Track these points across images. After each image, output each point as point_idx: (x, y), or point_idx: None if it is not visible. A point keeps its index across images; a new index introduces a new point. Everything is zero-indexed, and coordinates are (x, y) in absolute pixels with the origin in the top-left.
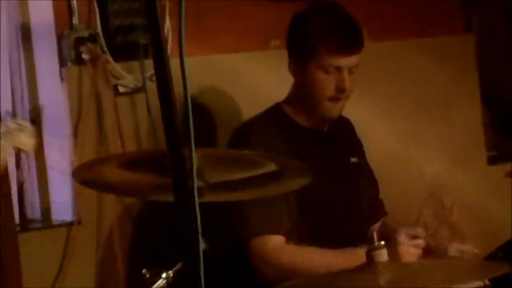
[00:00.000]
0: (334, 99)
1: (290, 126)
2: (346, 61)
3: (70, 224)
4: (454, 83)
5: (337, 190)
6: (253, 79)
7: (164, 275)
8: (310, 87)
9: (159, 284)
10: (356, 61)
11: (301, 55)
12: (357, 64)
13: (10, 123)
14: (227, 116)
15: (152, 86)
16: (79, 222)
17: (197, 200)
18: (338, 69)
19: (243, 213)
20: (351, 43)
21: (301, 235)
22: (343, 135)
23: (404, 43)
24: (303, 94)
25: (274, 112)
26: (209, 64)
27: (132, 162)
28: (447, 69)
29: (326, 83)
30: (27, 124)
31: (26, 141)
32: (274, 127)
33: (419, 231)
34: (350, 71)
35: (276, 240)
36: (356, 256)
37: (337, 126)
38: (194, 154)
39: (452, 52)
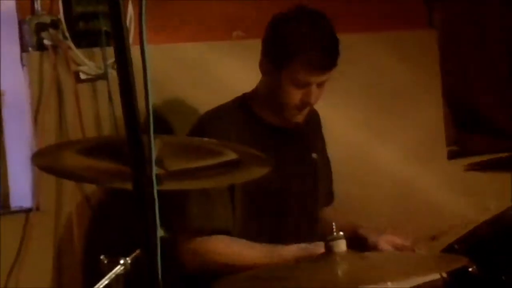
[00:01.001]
0: (298, 108)
1: (254, 121)
2: (317, 78)
3: (29, 210)
4: (415, 77)
5: (294, 187)
6: (216, 69)
7: (122, 262)
8: (276, 92)
9: (116, 271)
10: (327, 77)
11: (275, 60)
12: (328, 78)
13: None
14: (188, 105)
15: (113, 73)
16: (38, 209)
17: (155, 188)
18: (307, 84)
19: (187, 206)
20: (326, 63)
21: (253, 232)
22: (308, 131)
23: (366, 37)
24: (269, 94)
25: (239, 104)
26: (172, 53)
27: (92, 149)
28: (409, 63)
29: (293, 94)
30: None
31: None
32: (237, 119)
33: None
34: (319, 85)
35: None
36: (279, 253)
37: (303, 122)
38: (153, 141)
39: (415, 46)
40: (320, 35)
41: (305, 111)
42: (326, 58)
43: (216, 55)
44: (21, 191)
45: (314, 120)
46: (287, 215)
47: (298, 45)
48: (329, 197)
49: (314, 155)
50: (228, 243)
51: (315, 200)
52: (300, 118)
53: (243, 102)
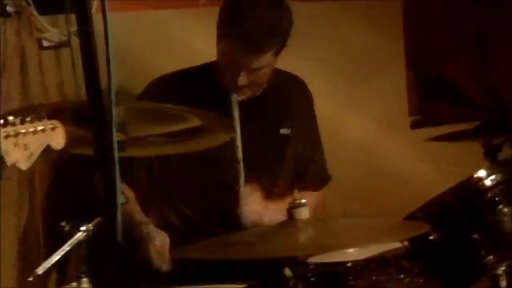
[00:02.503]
0: (235, 86)
1: (212, 88)
2: (244, 62)
3: None
4: (380, 46)
5: (249, 161)
6: (181, 36)
7: (84, 228)
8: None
9: (78, 237)
10: (260, 63)
11: (218, 31)
12: (263, 65)
13: (37, 123)
14: (152, 73)
15: (77, 41)
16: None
17: (116, 154)
18: (235, 65)
19: None
20: (253, 49)
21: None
22: (278, 104)
23: (333, 5)
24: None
25: (202, 70)
26: (138, 20)
27: (54, 114)
28: (374, 32)
29: (228, 71)
30: (57, 123)
31: (59, 140)
32: (194, 86)
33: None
34: (253, 70)
35: None
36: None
37: (274, 91)
38: (114, 107)
39: (380, 15)
40: (258, 18)
41: (246, 90)
42: (254, 45)
43: (182, 22)
44: None
45: (293, 91)
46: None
47: (231, 25)
48: (316, 179)
49: (283, 130)
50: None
51: (275, 176)
52: (242, 95)
53: (208, 69)
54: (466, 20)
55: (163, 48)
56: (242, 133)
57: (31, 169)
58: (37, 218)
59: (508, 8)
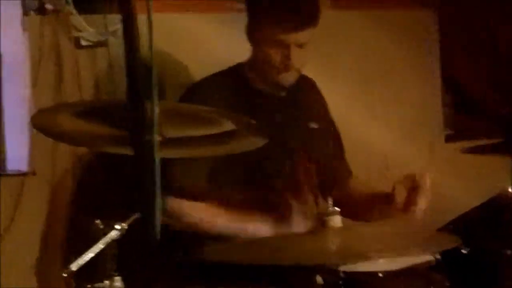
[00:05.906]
0: (280, 70)
1: (243, 88)
2: (291, 37)
3: (25, 174)
4: (412, 58)
5: (288, 157)
6: (208, 40)
7: (118, 227)
8: (258, 55)
9: (112, 236)
10: (306, 37)
11: (252, 23)
12: (308, 39)
13: None
14: (182, 77)
15: (113, 41)
16: (33, 173)
17: (156, 154)
18: (283, 44)
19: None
20: (297, 21)
21: (247, 202)
22: (303, 99)
23: (365, 14)
24: (255, 59)
25: (232, 73)
26: (169, 22)
27: (89, 112)
28: (407, 43)
29: (271, 57)
30: None
31: None
32: (228, 88)
33: None
34: (300, 46)
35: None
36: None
37: (297, 90)
38: (156, 106)
39: (412, 27)
40: None
41: (291, 74)
42: (296, 17)
43: (208, 26)
44: (17, 155)
45: (309, 89)
46: (272, 183)
47: (267, 5)
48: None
49: (313, 125)
50: (202, 208)
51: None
52: (285, 82)
53: (237, 71)
54: (497, 37)
55: (192, 52)
56: (278, 125)
57: (62, 165)
58: (68, 215)
59: None
